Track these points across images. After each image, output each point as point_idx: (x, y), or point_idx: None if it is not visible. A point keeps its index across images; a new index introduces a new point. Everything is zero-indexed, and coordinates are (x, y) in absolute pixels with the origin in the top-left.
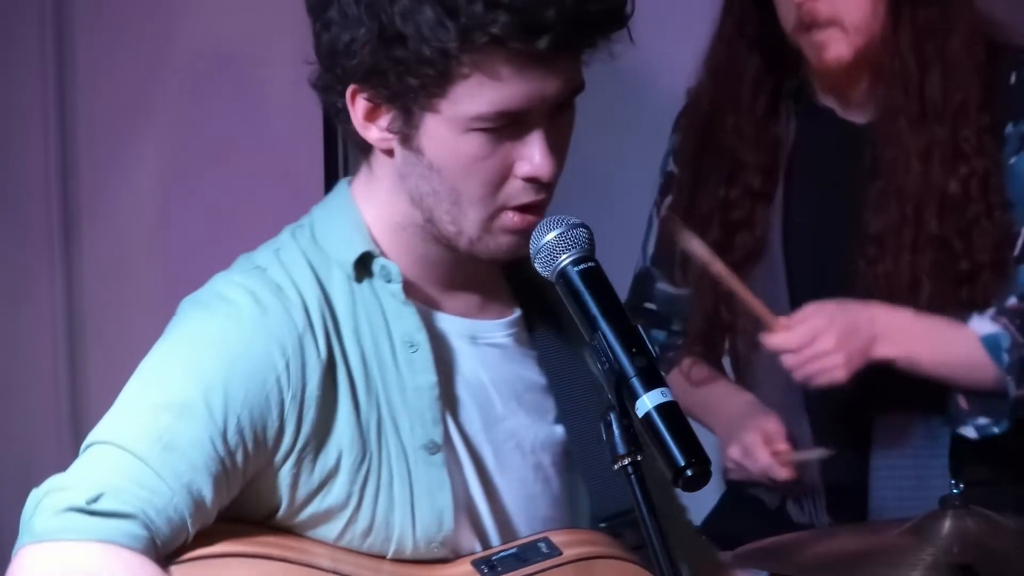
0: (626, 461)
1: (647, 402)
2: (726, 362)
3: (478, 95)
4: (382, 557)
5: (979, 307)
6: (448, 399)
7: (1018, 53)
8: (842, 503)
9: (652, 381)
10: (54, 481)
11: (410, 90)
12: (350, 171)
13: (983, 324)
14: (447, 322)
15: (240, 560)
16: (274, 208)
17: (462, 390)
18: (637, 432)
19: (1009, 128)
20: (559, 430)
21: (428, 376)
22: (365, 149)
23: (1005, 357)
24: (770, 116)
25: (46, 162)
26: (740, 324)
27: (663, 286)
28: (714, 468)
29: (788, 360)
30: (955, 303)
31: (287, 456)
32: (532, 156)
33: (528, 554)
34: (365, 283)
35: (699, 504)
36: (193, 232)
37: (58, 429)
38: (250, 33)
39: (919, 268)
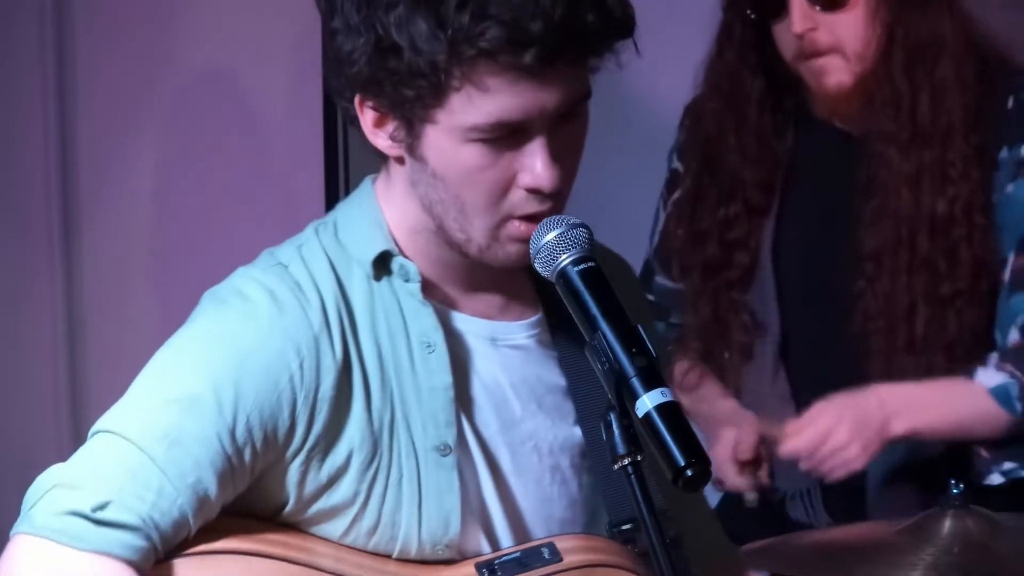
0: (626, 461)
1: (647, 402)
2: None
3: (472, 107)
4: (388, 556)
5: (961, 335)
6: (464, 400)
7: (1017, 76)
8: (840, 502)
9: (652, 381)
10: (61, 475)
11: (406, 101)
12: (350, 171)
13: (989, 376)
14: (466, 323)
15: (240, 558)
16: (273, 208)
17: (479, 391)
18: (637, 432)
19: (1004, 153)
20: (579, 432)
21: (444, 377)
22: (381, 153)
23: (1017, 405)
24: (773, 133)
25: (46, 162)
26: (734, 334)
27: (661, 279)
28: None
29: (806, 463)
30: (944, 330)
31: (296, 454)
32: (533, 166)
33: (530, 559)
34: (384, 281)
35: None
36: (192, 232)
37: (58, 429)
38: (250, 33)
39: (915, 292)
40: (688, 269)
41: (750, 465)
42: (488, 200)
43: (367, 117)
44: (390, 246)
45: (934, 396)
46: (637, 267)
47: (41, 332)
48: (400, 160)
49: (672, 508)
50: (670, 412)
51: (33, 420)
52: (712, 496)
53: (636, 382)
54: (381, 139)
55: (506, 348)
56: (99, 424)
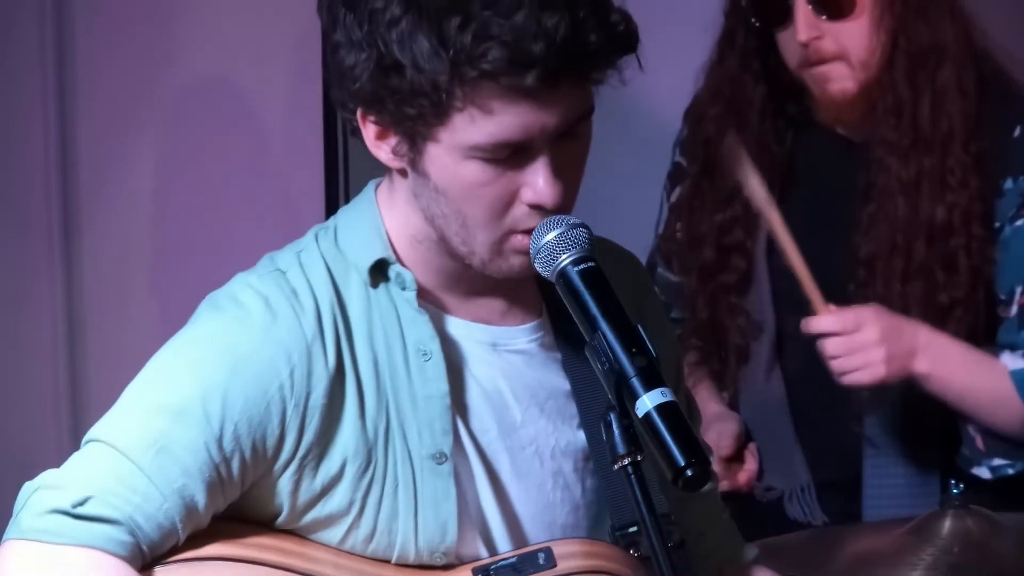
0: (626, 461)
1: (647, 402)
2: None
3: (474, 126)
4: (386, 562)
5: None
6: (462, 407)
7: (1022, 107)
8: (836, 501)
9: (652, 381)
10: (47, 477)
11: (408, 119)
12: (350, 171)
13: (1015, 360)
14: (466, 329)
15: (229, 565)
16: (273, 209)
17: (478, 397)
18: (637, 432)
19: (1008, 183)
20: (582, 436)
21: (440, 385)
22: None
23: None
24: (773, 139)
25: (46, 162)
26: (731, 336)
27: (663, 272)
28: None
29: (831, 345)
30: None
31: (288, 463)
32: (535, 183)
33: (524, 565)
34: (381, 288)
35: None
36: (192, 232)
37: (58, 429)
38: (250, 34)
39: (910, 298)
40: (687, 271)
41: (733, 462)
42: (490, 215)
43: (369, 130)
44: (387, 254)
45: (962, 356)
46: None
47: (41, 332)
48: (402, 173)
49: (680, 507)
50: (670, 412)
51: (33, 420)
52: None
53: (636, 382)
54: (383, 152)
55: (507, 353)
56: (90, 433)
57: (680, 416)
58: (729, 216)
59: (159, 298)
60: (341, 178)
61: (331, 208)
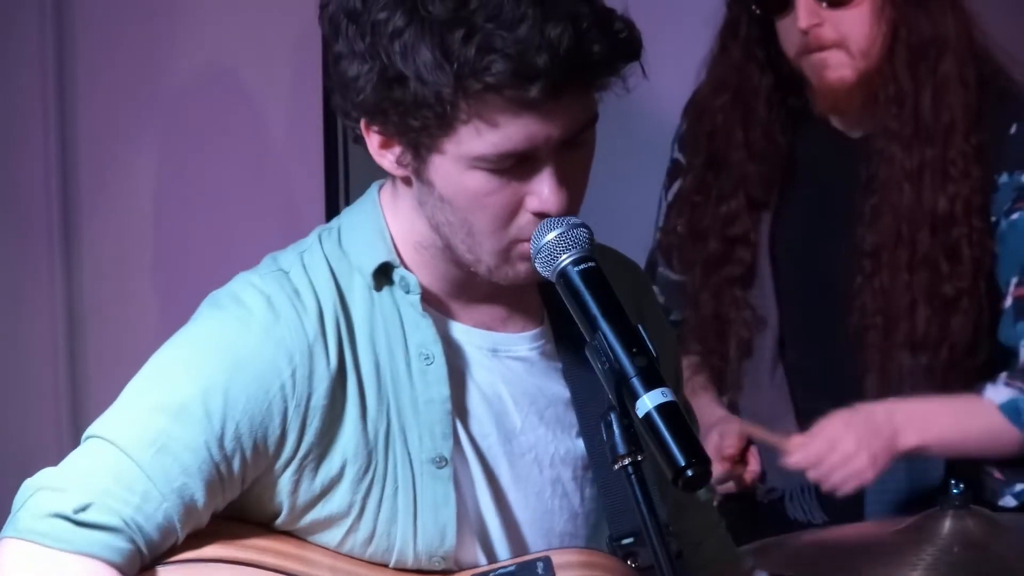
0: (626, 461)
1: (647, 402)
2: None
3: (478, 138)
4: (384, 566)
5: (963, 335)
6: (463, 411)
7: (1022, 108)
8: (837, 502)
9: (652, 381)
10: (47, 477)
11: (412, 130)
12: (350, 171)
13: (998, 392)
14: (467, 334)
15: (227, 567)
16: (273, 208)
17: (479, 403)
18: (637, 432)
19: (1004, 178)
20: (582, 445)
21: (441, 389)
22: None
23: None
24: (779, 129)
25: (46, 162)
26: (735, 329)
27: (664, 271)
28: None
29: (813, 475)
30: (947, 330)
31: (288, 463)
32: (541, 191)
33: (523, 573)
34: (385, 291)
35: None
36: (193, 232)
37: (58, 429)
38: (250, 32)
39: (916, 290)
40: (689, 265)
41: (736, 464)
42: (496, 224)
43: (373, 140)
44: (392, 257)
45: (944, 411)
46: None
47: (41, 332)
48: (407, 181)
49: (677, 517)
50: (670, 412)
51: (33, 420)
52: None
53: (636, 382)
54: (387, 161)
55: (508, 359)
56: (90, 429)
57: (681, 416)
58: (734, 207)
59: (159, 298)
60: (341, 178)
61: (331, 208)
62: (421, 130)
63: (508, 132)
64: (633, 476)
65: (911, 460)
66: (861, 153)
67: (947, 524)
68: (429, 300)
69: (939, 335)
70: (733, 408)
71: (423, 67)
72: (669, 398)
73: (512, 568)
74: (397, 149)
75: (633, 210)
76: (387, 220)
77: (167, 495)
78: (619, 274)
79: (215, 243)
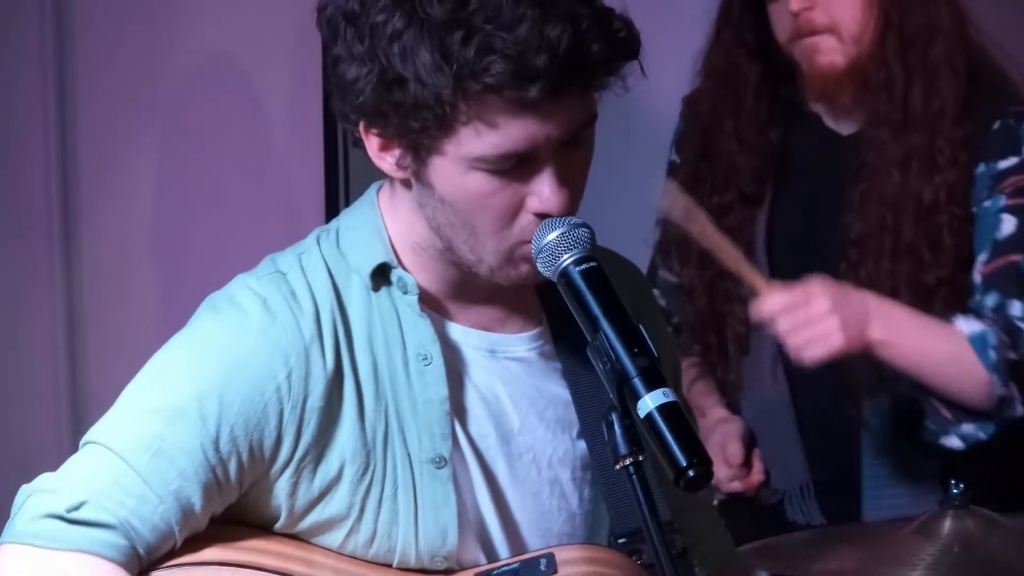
0: (627, 461)
1: (649, 402)
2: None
3: (478, 139)
4: (388, 566)
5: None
6: (461, 412)
7: (1009, 104)
8: (836, 502)
9: (654, 381)
10: (43, 481)
11: (412, 132)
12: (350, 171)
13: (969, 323)
14: (465, 335)
15: (227, 570)
16: (273, 207)
17: (477, 404)
18: (639, 432)
19: (981, 168)
20: (582, 445)
21: (439, 390)
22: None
23: (992, 354)
24: (768, 121)
25: (46, 162)
26: (730, 324)
27: (664, 273)
28: None
29: (782, 323)
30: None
31: (285, 466)
32: (541, 192)
33: (526, 571)
34: (383, 292)
35: None
36: (193, 232)
37: (58, 429)
38: (250, 31)
39: (898, 278)
40: (685, 259)
41: (742, 467)
42: (498, 225)
43: (372, 142)
44: (389, 258)
45: (915, 321)
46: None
47: (41, 332)
48: (406, 183)
49: (677, 517)
50: (672, 412)
51: (33, 420)
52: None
53: (638, 382)
54: (387, 163)
55: (506, 360)
56: (87, 435)
57: (682, 416)
58: (727, 200)
59: (159, 298)
60: (341, 178)
61: (331, 208)
62: (421, 132)
63: (508, 133)
64: (634, 476)
65: (910, 460)
66: (852, 150)
67: (947, 524)
68: (427, 301)
69: None
70: (734, 408)
71: (422, 69)
72: (671, 398)
73: (515, 566)
74: (397, 151)
75: (632, 209)
76: (385, 221)
77: (163, 498)
78: (618, 275)
79: (215, 243)
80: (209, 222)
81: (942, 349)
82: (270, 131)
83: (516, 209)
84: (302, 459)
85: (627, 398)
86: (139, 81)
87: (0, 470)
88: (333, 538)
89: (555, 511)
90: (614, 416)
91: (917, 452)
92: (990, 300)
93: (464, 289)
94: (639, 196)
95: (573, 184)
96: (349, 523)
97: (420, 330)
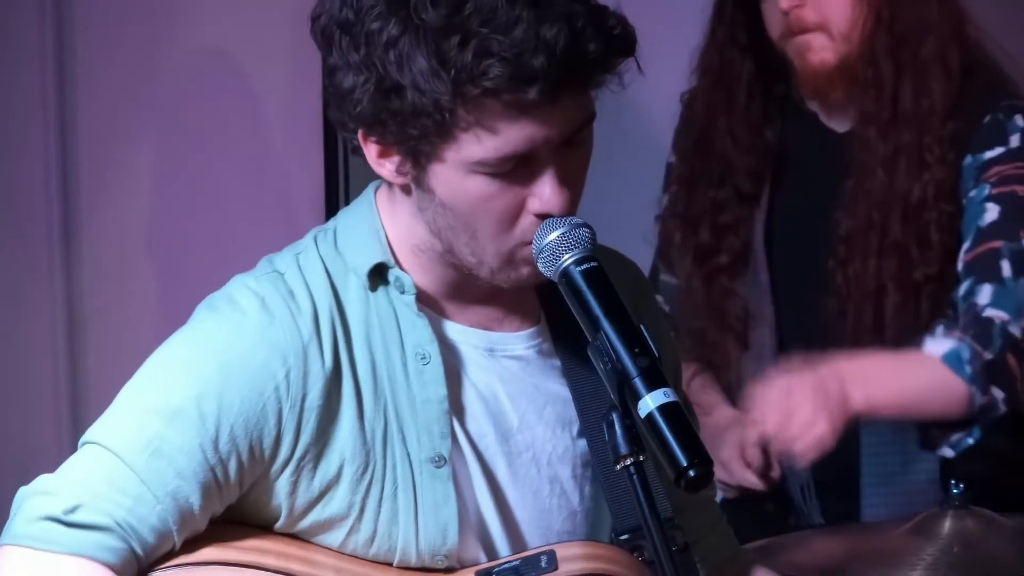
0: (628, 461)
1: (649, 402)
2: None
3: (478, 143)
4: (389, 564)
5: (932, 321)
6: (460, 411)
7: (1001, 99)
8: (836, 502)
9: (655, 381)
10: (41, 483)
11: (411, 138)
12: (349, 170)
13: (938, 344)
14: (463, 334)
15: (227, 569)
16: (272, 207)
17: (476, 402)
18: (639, 432)
19: (968, 159)
20: (582, 443)
21: (438, 389)
22: None
23: (967, 369)
24: (762, 120)
25: (46, 162)
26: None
27: (666, 277)
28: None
29: (776, 447)
30: (917, 316)
31: (285, 465)
32: (542, 192)
33: (527, 568)
34: (380, 291)
35: None
36: (192, 232)
37: (58, 429)
38: (249, 31)
39: (885, 275)
40: (681, 255)
41: (760, 466)
42: (499, 227)
43: (371, 150)
44: (387, 258)
45: (890, 367)
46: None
47: (41, 332)
48: (406, 189)
49: (680, 513)
50: (673, 412)
51: (33, 420)
52: None
53: (639, 382)
54: (386, 170)
55: (504, 359)
56: (86, 435)
57: (683, 416)
58: (723, 196)
59: (159, 298)
60: (341, 178)
61: (331, 208)
62: (420, 138)
63: (507, 135)
64: (635, 476)
65: (910, 460)
66: (848, 147)
67: (947, 524)
68: (424, 301)
69: (911, 320)
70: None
71: (419, 75)
72: (671, 398)
73: (516, 563)
74: (396, 158)
75: (632, 209)
76: (383, 221)
77: (161, 498)
78: (619, 274)
79: (215, 243)
80: (209, 222)
81: (922, 383)
82: (270, 131)
83: (517, 211)
84: (302, 458)
85: (628, 398)
86: (139, 81)
87: (0, 470)
88: (333, 537)
89: (555, 509)
90: (614, 416)
91: (917, 452)
92: (963, 287)
93: (463, 290)
94: (639, 196)
95: (573, 184)
96: (349, 522)
97: (418, 329)
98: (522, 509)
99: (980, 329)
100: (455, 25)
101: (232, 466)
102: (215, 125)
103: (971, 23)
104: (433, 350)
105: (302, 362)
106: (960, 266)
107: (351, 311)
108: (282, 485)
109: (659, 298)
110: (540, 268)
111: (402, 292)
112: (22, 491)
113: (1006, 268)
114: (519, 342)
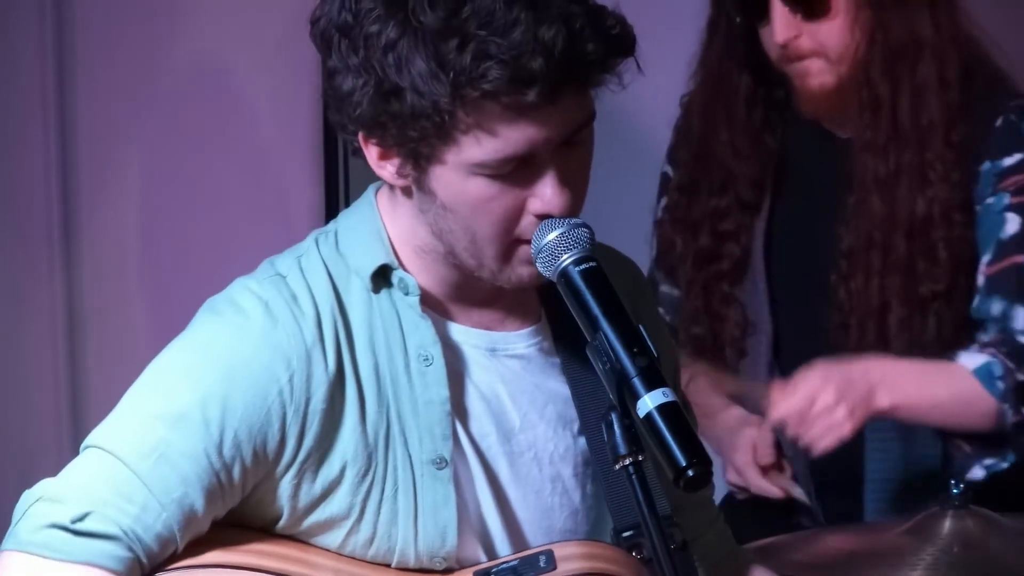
0: (627, 461)
1: (648, 402)
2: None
3: (478, 145)
4: (387, 566)
5: (939, 337)
6: (462, 412)
7: (1009, 100)
8: (836, 502)
9: (653, 381)
10: (46, 488)
11: (411, 141)
12: (349, 170)
13: (972, 358)
14: (465, 335)
15: (228, 572)
16: (272, 208)
17: (478, 403)
18: (638, 432)
19: (986, 165)
20: (582, 441)
21: (440, 390)
22: None
23: (999, 385)
24: (763, 126)
25: (46, 162)
26: (727, 328)
27: (665, 288)
28: (716, 470)
29: (793, 428)
30: (924, 331)
31: (288, 468)
32: (543, 193)
33: (525, 568)
34: (383, 293)
35: None
36: (192, 232)
37: (58, 429)
38: (249, 32)
39: (889, 291)
40: (681, 260)
41: (773, 467)
42: (500, 229)
43: (372, 152)
44: (390, 259)
45: (919, 373)
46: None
47: (41, 332)
48: (407, 191)
49: (677, 512)
50: (671, 412)
51: (33, 420)
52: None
53: (637, 382)
54: (387, 172)
55: (506, 358)
56: (89, 439)
57: (681, 416)
58: (724, 204)
59: (158, 299)
60: (341, 180)
61: (331, 210)
62: (420, 140)
63: (507, 137)
64: (634, 476)
65: (909, 459)
66: (847, 153)
67: (947, 524)
68: (427, 302)
69: (917, 335)
70: None
71: (419, 78)
72: (670, 398)
73: (514, 563)
74: (396, 160)
75: (632, 209)
76: (384, 223)
77: (166, 505)
78: (618, 273)
79: (215, 244)
80: (209, 222)
81: (951, 392)
82: (269, 132)
83: (518, 212)
84: (304, 461)
85: (627, 398)
86: (138, 81)
87: (0, 470)
88: (333, 538)
89: (557, 508)
90: (613, 416)
91: (918, 452)
92: (995, 307)
93: (465, 290)
94: (639, 196)
95: (575, 184)
96: (349, 523)
97: (421, 331)
98: (524, 509)
99: (1018, 356)
100: (453, 27)
101: (236, 470)
102: (215, 125)
103: (965, 19)
104: (436, 351)
105: (306, 366)
106: (981, 280)
107: (353, 313)
108: (285, 487)
109: (660, 311)
110: (538, 268)
111: (406, 293)
112: (27, 495)
113: None
114: (520, 340)
